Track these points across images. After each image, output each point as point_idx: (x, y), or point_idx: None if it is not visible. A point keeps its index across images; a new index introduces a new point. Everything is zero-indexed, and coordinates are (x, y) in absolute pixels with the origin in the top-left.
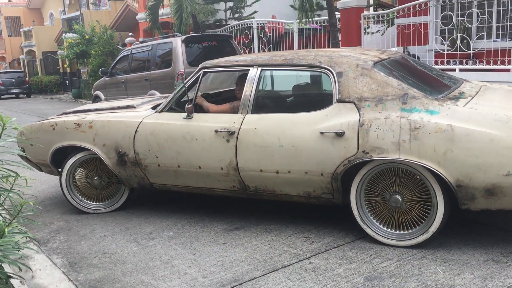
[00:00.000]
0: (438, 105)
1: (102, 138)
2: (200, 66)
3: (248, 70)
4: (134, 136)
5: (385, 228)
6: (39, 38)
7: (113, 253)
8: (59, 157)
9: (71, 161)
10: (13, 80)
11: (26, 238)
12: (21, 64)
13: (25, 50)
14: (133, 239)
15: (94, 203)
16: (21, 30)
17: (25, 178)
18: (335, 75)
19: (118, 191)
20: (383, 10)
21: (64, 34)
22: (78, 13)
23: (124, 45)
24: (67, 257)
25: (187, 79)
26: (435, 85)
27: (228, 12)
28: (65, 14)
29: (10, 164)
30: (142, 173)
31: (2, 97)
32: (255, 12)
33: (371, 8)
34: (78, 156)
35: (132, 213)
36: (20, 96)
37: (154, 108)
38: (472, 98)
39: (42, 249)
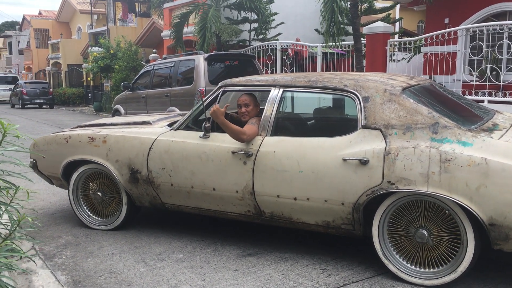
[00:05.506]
0: (471, 136)
1: (116, 153)
2: (220, 84)
3: (270, 90)
4: (148, 153)
5: (408, 265)
6: (66, 51)
7: (119, 273)
8: (71, 171)
9: (75, 175)
10: (37, 91)
11: (21, 258)
12: (47, 75)
13: (51, 61)
14: (141, 259)
15: (99, 218)
16: (48, 42)
17: (27, 190)
18: (361, 99)
19: (118, 209)
20: (408, 38)
21: (90, 48)
22: (105, 28)
23: (148, 61)
24: (72, 274)
25: (206, 97)
26: (466, 115)
27: (252, 33)
28: (92, 28)
29: (12, 175)
30: (154, 192)
31: (26, 106)
32: (279, 34)
33: (396, 36)
34: (81, 169)
35: (143, 231)
36: (43, 106)
37: (170, 125)
38: (507, 130)
39: (48, 264)
